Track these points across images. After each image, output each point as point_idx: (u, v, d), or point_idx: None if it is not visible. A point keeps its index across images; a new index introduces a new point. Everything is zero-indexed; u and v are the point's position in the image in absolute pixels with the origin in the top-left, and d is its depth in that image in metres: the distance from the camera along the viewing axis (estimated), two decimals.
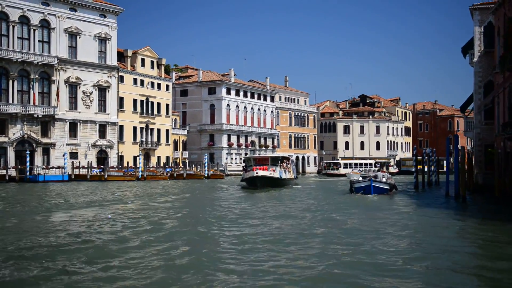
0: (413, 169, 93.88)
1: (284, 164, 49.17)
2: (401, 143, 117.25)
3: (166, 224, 19.07)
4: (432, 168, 50.28)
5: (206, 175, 69.42)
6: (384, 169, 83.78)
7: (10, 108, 57.68)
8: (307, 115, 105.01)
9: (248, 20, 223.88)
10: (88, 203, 28.71)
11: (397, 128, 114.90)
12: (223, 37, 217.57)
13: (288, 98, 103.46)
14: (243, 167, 55.41)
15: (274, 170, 44.46)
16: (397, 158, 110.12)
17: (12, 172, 55.30)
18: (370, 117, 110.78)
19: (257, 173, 42.47)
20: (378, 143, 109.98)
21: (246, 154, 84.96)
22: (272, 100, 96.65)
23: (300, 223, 20.02)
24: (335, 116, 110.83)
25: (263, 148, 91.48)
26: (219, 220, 20.26)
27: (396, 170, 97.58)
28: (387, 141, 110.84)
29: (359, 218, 21.62)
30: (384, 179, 37.51)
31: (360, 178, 38.75)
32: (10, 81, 58.38)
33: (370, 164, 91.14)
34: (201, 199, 32.23)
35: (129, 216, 22.04)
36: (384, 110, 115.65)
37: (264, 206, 27.74)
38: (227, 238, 16.03)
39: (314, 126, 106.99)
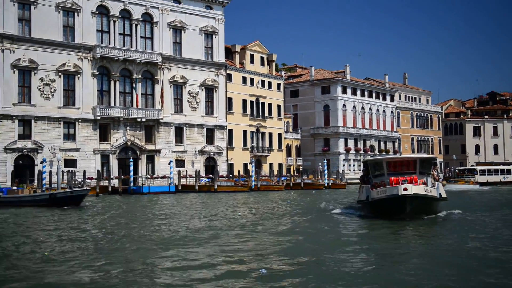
0: None
1: (435, 172, 29.01)
2: None
3: None
4: None
5: (325, 185, 60.53)
6: None
7: (113, 112, 52.07)
8: (431, 116, 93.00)
9: (359, 15, 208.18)
10: (210, 230, 20.71)
11: None
12: (333, 33, 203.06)
13: (408, 97, 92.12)
14: (361, 177, 32.24)
15: (425, 183, 25.49)
16: None
17: (115, 183, 49.47)
18: (504, 116, 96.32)
19: (405, 189, 22.66)
20: None
21: None
22: (392, 99, 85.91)
23: None
24: (461, 116, 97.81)
25: (383, 153, 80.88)
26: None
27: None
28: None
29: None
30: None
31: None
32: (112, 82, 52.92)
33: None
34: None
35: (284, 267, 13.66)
36: None
37: None
38: None
39: (438, 128, 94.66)
